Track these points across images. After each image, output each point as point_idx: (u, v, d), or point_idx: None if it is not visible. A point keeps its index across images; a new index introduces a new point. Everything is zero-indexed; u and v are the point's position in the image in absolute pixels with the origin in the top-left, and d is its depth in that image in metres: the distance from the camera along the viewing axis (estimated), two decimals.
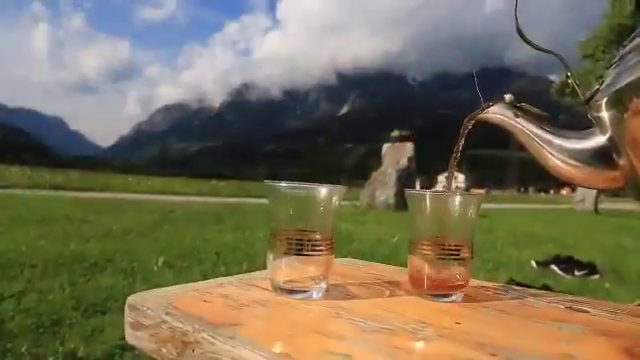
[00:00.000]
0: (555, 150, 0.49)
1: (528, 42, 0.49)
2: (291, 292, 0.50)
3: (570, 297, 0.57)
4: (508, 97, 0.52)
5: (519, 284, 2.89)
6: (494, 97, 0.54)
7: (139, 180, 18.91)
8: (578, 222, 9.83)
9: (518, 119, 0.51)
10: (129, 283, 2.69)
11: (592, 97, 0.46)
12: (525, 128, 0.51)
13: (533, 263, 4.11)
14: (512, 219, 9.75)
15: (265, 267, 0.53)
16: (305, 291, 0.50)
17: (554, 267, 3.91)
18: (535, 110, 0.51)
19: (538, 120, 0.51)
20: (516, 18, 0.48)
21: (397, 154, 9.93)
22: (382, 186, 9.72)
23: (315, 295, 0.50)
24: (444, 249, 0.51)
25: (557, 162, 0.48)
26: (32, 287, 2.45)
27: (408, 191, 0.55)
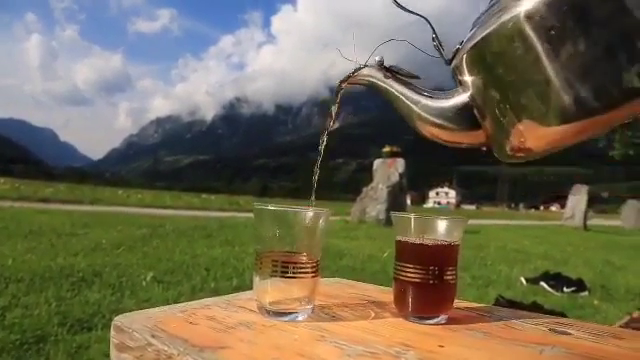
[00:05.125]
0: (422, 109, 0.49)
1: (400, 6, 0.50)
2: (277, 314, 0.50)
3: (555, 318, 0.58)
4: (378, 58, 0.53)
5: (508, 301, 2.90)
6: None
7: (129, 193, 18.80)
8: (567, 238, 9.89)
9: (388, 80, 0.52)
10: (117, 298, 2.66)
11: (453, 58, 0.47)
12: (394, 88, 0.51)
13: (522, 280, 4.13)
14: (502, 235, 9.79)
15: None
16: (291, 313, 0.50)
17: (543, 284, 3.93)
18: (405, 71, 0.52)
19: (407, 81, 0.52)
20: None
21: (388, 170, 9.97)
22: (373, 201, 9.74)
23: (301, 317, 0.50)
24: (428, 272, 0.51)
25: (423, 121, 0.49)
26: (17, 302, 2.41)
27: (393, 214, 0.56)
